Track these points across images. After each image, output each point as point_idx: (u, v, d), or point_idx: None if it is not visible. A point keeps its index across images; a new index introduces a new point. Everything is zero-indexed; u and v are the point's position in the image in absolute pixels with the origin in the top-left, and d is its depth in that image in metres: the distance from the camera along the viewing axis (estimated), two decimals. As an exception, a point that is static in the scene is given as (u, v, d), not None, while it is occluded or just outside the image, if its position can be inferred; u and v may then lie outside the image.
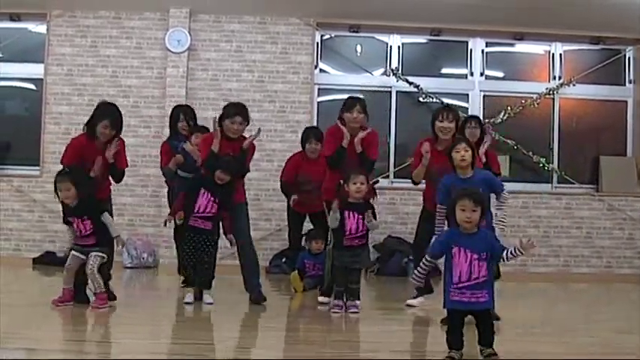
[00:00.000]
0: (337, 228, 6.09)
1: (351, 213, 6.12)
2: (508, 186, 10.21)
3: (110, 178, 6.31)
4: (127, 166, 6.35)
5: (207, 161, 6.20)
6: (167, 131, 8.18)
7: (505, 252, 4.44)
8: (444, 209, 5.47)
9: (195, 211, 6.07)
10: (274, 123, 10.36)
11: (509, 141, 10.76)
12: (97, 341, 4.74)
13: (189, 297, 6.17)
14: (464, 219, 4.39)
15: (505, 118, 10.78)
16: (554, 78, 10.93)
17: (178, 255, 6.82)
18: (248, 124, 6.39)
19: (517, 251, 4.40)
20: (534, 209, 10.66)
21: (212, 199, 6.06)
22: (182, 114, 7.55)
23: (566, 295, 8.83)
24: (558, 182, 10.89)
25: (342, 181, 6.14)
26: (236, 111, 6.29)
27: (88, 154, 6.07)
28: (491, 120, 10.73)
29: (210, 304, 6.12)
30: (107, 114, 6.19)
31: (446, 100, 10.64)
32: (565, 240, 10.57)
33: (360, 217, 6.08)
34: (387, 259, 9.75)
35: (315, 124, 10.43)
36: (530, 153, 10.78)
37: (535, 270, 10.47)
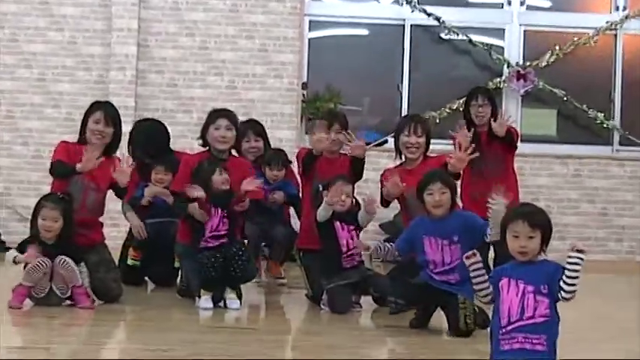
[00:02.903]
0: (326, 248, 6.27)
1: (341, 224, 6.26)
2: (555, 149, 10.66)
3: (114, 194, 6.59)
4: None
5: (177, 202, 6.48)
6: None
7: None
8: (405, 260, 5.81)
9: (207, 233, 6.28)
10: (252, 65, 10.48)
11: (556, 90, 10.79)
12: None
13: (207, 301, 6.27)
14: (517, 249, 4.24)
15: (552, 60, 10.82)
16: (617, 8, 10.96)
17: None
18: (237, 130, 6.57)
19: (572, 256, 4.14)
20: (589, 179, 10.74)
21: (222, 214, 6.29)
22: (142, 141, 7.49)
23: (630, 289, 8.81)
24: (620, 144, 10.99)
25: (320, 187, 6.32)
26: (218, 114, 6.55)
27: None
28: (534, 63, 10.77)
29: (237, 309, 6.28)
30: (99, 107, 6.47)
31: (475, 37, 10.70)
32: (629, 219, 10.72)
33: (352, 227, 6.25)
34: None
35: (305, 66, 10.64)
36: (585, 106, 10.82)
37: (590, 257, 10.39)
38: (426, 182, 5.54)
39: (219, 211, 6.24)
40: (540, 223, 4.22)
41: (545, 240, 4.22)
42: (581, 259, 4.12)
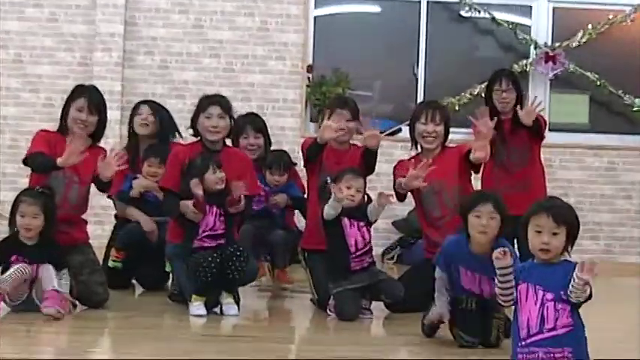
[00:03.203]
0: (333, 248, 6.30)
1: (349, 221, 6.26)
2: (587, 138, 10.65)
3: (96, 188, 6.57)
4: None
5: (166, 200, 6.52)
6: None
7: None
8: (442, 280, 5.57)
9: (201, 233, 6.28)
10: (252, 46, 10.50)
11: (589, 74, 10.75)
12: None
13: (199, 307, 6.24)
14: (538, 245, 4.23)
15: (584, 40, 10.78)
16: (657, -17, 10.92)
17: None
18: (232, 119, 6.55)
19: (577, 282, 4.13)
20: (625, 172, 10.72)
21: (218, 212, 6.30)
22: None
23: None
24: (660, 134, 10.97)
25: (328, 180, 6.35)
26: (209, 101, 6.50)
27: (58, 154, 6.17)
28: (564, 44, 10.74)
29: (235, 315, 6.29)
30: (82, 93, 6.46)
31: (499, 15, 10.68)
32: (670, 217, 10.74)
33: (362, 223, 6.26)
34: (411, 240, 9.82)
35: (310, 47, 10.62)
36: (620, 92, 10.78)
37: (625, 259, 10.54)
38: (475, 201, 5.26)
39: (215, 208, 6.24)
40: (566, 219, 4.21)
41: (571, 239, 4.22)
42: (585, 288, 4.10)
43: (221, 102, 6.50)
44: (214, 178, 6.17)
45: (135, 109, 7.60)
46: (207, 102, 6.48)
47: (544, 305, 4.17)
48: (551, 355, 4.14)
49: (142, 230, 7.22)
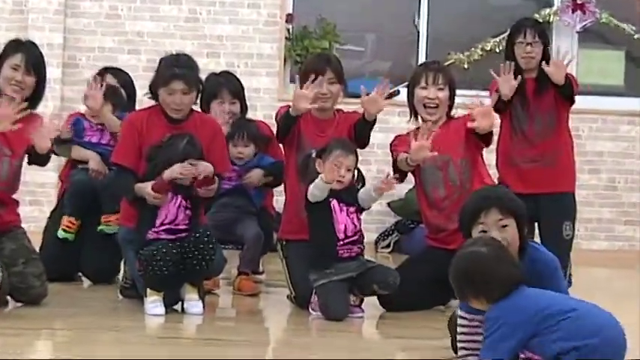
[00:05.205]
0: (318, 235, 6.31)
1: (339, 205, 6.29)
2: (621, 103, 10.73)
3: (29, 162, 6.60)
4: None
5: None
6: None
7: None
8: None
9: (159, 224, 6.29)
10: None
11: (624, 26, 10.82)
12: None
13: (156, 304, 6.26)
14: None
15: (618, -15, 10.84)
16: None
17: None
18: (199, 90, 6.54)
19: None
20: (667, 144, 10.79)
21: (182, 203, 6.32)
22: None
23: None
24: None
25: (313, 153, 6.39)
26: (172, 73, 6.40)
27: None
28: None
29: (199, 314, 6.30)
30: (18, 48, 6.48)
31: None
32: None
33: (352, 209, 6.29)
34: (410, 224, 9.92)
35: None
36: (663, 47, 10.85)
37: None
38: (474, 210, 4.79)
39: (180, 199, 6.25)
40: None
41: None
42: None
43: (186, 76, 6.40)
44: (187, 173, 6.17)
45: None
46: (169, 74, 6.40)
47: None
48: None
49: (91, 188, 7.31)
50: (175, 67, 6.40)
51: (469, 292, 4.52)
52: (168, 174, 6.08)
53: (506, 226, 4.72)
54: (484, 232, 4.72)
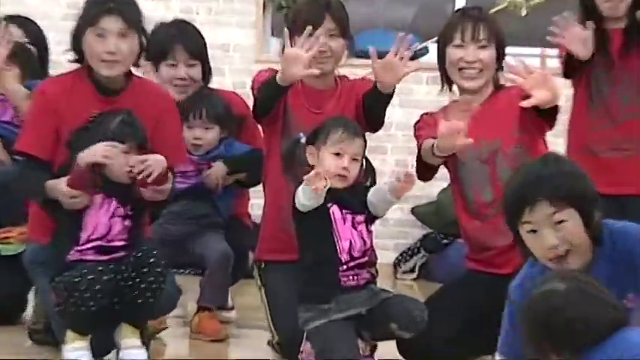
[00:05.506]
0: (313, 252, 5.68)
1: (340, 212, 5.64)
2: None
3: None
4: None
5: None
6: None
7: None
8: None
9: (84, 240, 5.85)
10: None
11: None
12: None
13: (81, 354, 5.79)
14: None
15: None
16: None
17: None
18: (142, 43, 6.02)
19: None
20: None
21: (120, 211, 5.89)
22: None
23: None
24: None
25: (302, 137, 5.79)
26: (103, 7, 5.93)
27: None
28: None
29: None
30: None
31: None
32: None
33: (360, 217, 5.66)
34: (443, 240, 9.53)
35: None
36: None
37: None
38: (513, 202, 4.31)
39: (115, 203, 5.75)
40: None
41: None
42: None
43: (123, 11, 5.91)
44: (126, 165, 5.66)
45: None
46: (98, 8, 5.92)
47: None
48: None
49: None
50: (109, 2, 5.99)
51: (547, 346, 4.08)
52: (85, 157, 5.59)
53: (562, 221, 4.24)
54: (533, 231, 4.35)
